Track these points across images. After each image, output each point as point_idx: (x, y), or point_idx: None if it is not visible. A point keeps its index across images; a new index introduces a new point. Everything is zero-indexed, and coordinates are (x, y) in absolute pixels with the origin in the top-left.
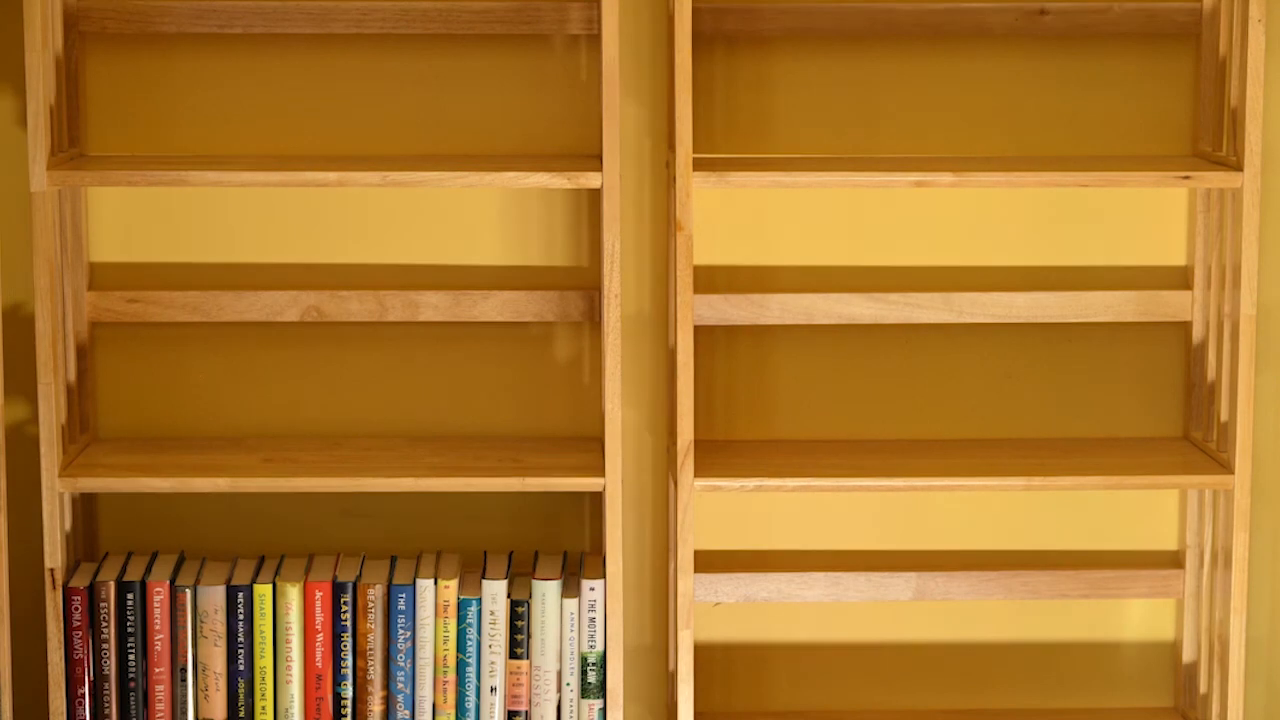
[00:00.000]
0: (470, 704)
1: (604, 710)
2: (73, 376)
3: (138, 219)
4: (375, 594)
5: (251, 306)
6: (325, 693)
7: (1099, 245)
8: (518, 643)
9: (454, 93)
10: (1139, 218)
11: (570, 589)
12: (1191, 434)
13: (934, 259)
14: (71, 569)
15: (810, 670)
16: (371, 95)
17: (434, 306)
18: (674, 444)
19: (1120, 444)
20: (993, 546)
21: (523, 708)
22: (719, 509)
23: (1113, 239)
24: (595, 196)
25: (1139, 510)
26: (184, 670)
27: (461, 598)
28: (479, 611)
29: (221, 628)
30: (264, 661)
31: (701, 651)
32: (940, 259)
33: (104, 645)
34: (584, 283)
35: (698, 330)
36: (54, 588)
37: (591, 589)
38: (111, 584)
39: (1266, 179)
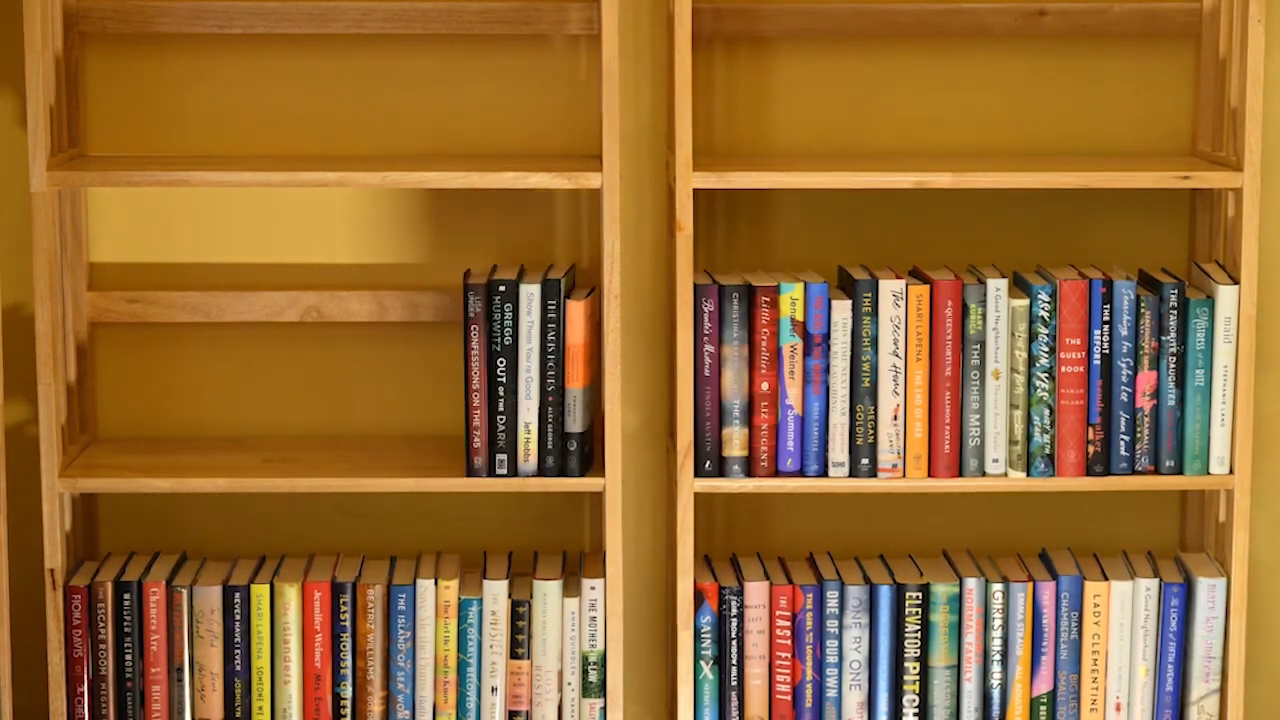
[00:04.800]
0: (471, 704)
1: (605, 710)
2: (73, 376)
3: (138, 219)
4: (375, 594)
5: (251, 307)
6: (324, 693)
7: (1099, 244)
8: (519, 643)
9: (454, 93)
10: (1139, 217)
11: (571, 588)
12: None
13: (933, 259)
14: (73, 569)
15: None
16: (371, 95)
17: (433, 307)
18: (674, 444)
19: None
20: (993, 548)
21: (524, 708)
22: (720, 507)
23: (1113, 238)
24: (595, 196)
25: (1139, 510)
26: (180, 670)
27: (462, 598)
28: (480, 612)
29: (218, 628)
30: (261, 662)
31: None
32: (939, 259)
33: (101, 645)
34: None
35: None
36: (54, 588)
37: (592, 588)
38: (109, 584)
39: (1266, 179)
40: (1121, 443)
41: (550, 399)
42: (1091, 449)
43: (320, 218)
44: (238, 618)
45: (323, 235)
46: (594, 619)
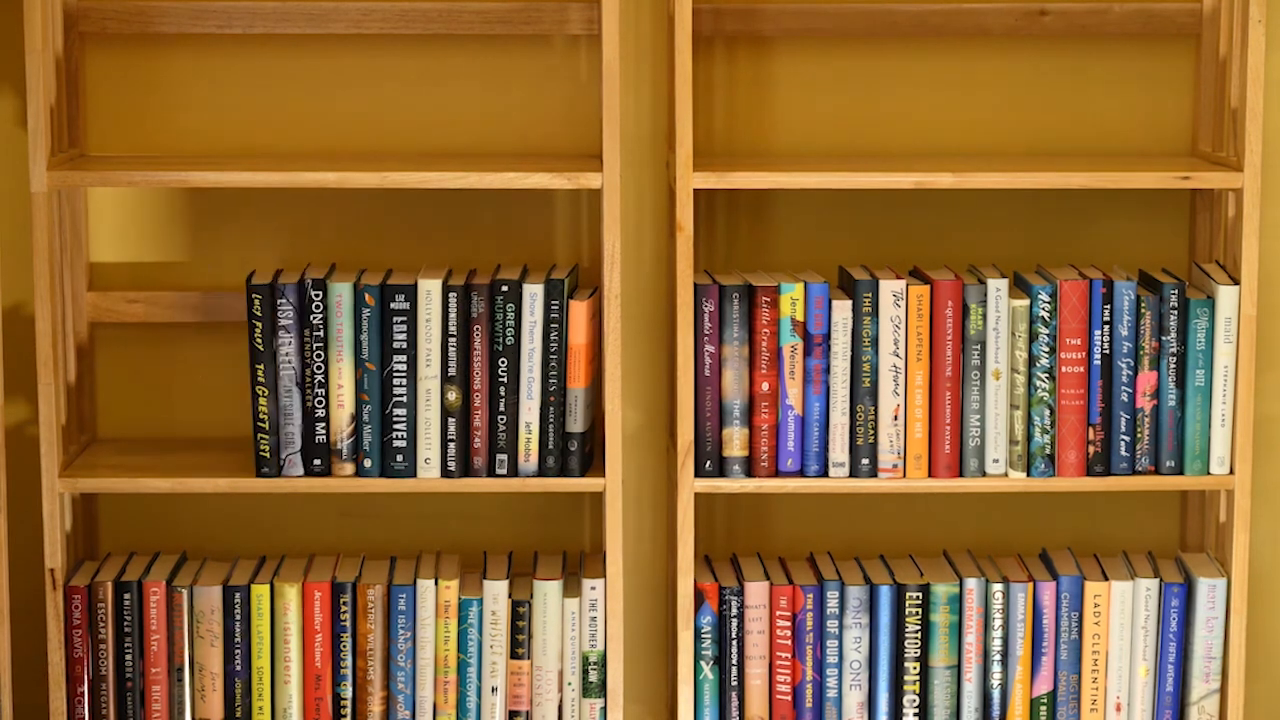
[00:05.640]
0: (471, 704)
1: (605, 710)
2: (73, 376)
3: (138, 219)
4: (375, 594)
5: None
6: (324, 693)
7: (1099, 244)
8: (519, 643)
9: (454, 93)
10: (1139, 217)
11: (571, 588)
12: None
13: (933, 259)
14: (73, 569)
15: None
16: (371, 95)
17: None
18: (674, 444)
19: None
20: (993, 548)
21: (524, 708)
22: (720, 507)
23: (1113, 238)
24: (595, 196)
25: (1139, 510)
26: (180, 670)
27: (462, 598)
28: (480, 612)
29: (218, 628)
30: (261, 662)
31: None
32: (939, 259)
33: (101, 645)
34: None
35: None
36: (54, 588)
37: (592, 588)
38: (109, 584)
39: (1266, 179)
40: (1122, 443)
41: (552, 399)
42: (1092, 449)
43: (319, 217)
44: (238, 618)
45: (322, 234)
46: (594, 619)
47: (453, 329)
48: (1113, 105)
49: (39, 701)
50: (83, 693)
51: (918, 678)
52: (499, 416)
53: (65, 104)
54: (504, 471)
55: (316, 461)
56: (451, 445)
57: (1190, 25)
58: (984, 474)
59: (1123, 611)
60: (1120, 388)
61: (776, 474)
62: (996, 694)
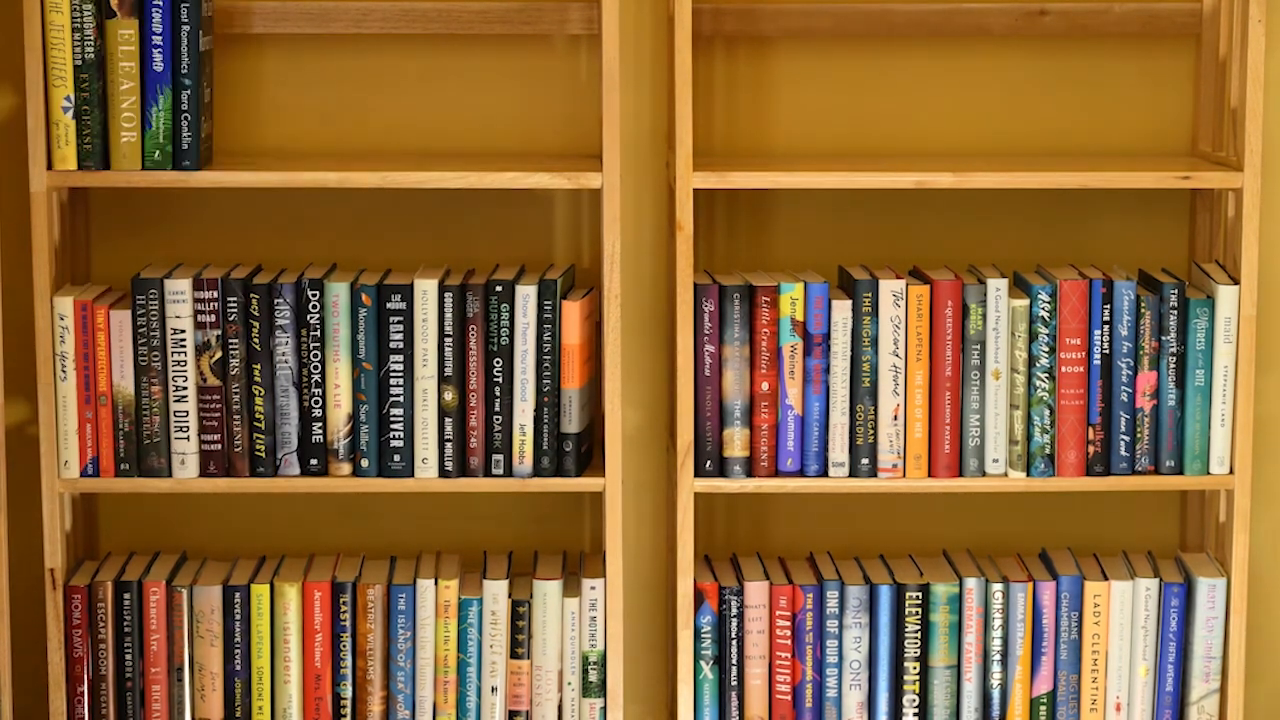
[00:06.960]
0: (471, 704)
1: (605, 710)
2: None
3: (138, 219)
4: (375, 594)
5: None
6: (324, 693)
7: (1099, 244)
8: (519, 643)
9: (454, 93)
10: (1139, 217)
11: (571, 588)
12: None
13: (933, 259)
14: (73, 569)
15: None
16: (371, 94)
17: None
18: (674, 444)
19: None
20: (993, 548)
21: (524, 707)
22: (720, 508)
23: (1113, 238)
24: (595, 196)
25: (1139, 510)
26: (180, 670)
27: (462, 598)
28: (480, 612)
29: (218, 628)
30: (261, 662)
31: None
32: (939, 259)
33: (101, 645)
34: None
35: None
36: (54, 588)
37: (592, 588)
38: (109, 584)
39: (1266, 179)
40: (1121, 443)
41: (546, 400)
42: (1091, 449)
43: (319, 217)
44: (238, 618)
45: (321, 234)
46: (594, 619)
47: (449, 329)
48: (1113, 105)
49: (39, 701)
50: (82, 693)
51: (917, 677)
52: (494, 417)
53: None
54: (500, 472)
55: (313, 461)
56: (448, 445)
57: (1190, 25)
58: (984, 474)
59: (1122, 611)
60: (1120, 388)
61: (776, 474)
62: (996, 694)
